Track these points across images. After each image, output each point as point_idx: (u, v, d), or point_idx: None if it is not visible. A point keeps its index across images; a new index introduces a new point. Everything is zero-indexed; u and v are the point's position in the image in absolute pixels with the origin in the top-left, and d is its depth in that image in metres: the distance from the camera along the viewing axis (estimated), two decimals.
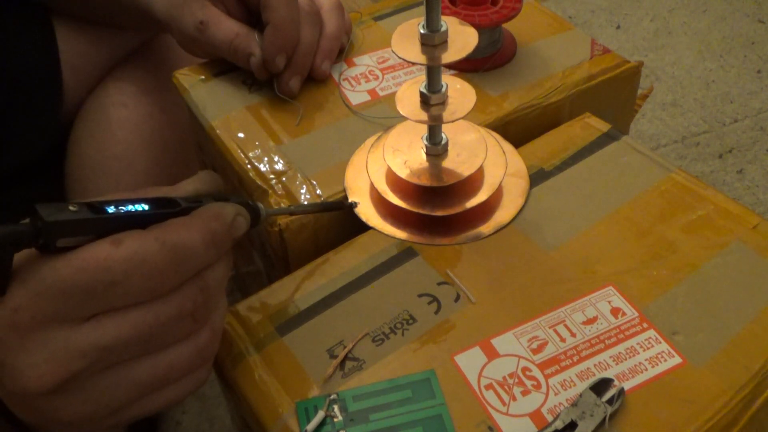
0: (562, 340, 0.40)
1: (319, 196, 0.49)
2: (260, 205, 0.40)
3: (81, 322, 0.31)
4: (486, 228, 0.47)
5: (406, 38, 0.42)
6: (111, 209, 0.32)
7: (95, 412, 0.32)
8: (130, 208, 0.33)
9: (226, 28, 0.53)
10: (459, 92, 0.45)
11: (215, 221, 0.35)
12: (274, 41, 0.52)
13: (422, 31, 0.41)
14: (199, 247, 0.33)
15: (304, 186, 0.49)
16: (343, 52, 0.60)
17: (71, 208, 0.31)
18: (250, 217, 0.38)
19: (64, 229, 0.30)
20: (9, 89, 0.62)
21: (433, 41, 0.41)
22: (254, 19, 0.55)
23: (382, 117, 0.54)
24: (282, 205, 0.48)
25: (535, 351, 0.39)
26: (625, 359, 0.39)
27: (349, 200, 0.48)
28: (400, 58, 0.42)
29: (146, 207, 0.33)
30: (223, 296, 0.37)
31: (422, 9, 0.40)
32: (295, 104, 0.55)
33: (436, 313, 0.42)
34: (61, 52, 0.65)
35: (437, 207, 0.47)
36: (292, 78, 0.54)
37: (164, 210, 0.34)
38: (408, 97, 0.45)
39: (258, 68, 0.54)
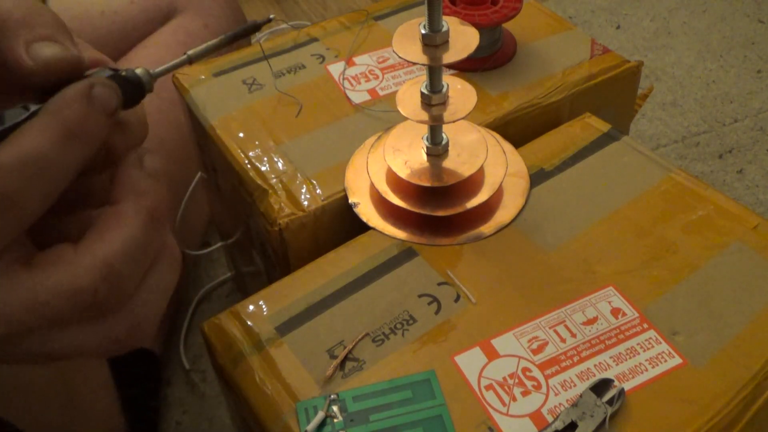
0: (563, 340, 0.40)
1: (319, 195, 0.48)
2: (138, 70, 0.31)
3: None
4: (486, 228, 0.47)
5: (407, 38, 0.42)
6: None
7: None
8: None
9: None
10: (460, 92, 0.45)
11: (66, 108, 0.27)
12: None
13: (423, 32, 0.41)
14: (49, 149, 0.26)
15: (304, 186, 0.49)
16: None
17: None
18: (118, 86, 0.30)
19: None
20: None
21: (434, 41, 0.41)
22: None
23: (386, 111, 0.54)
24: (283, 205, 0.48)
25: (536, 351, 0.39)
26: (626, 360, 0.39)
27: (349, 200, 0.48)
28: (401, 58, 0.42)
29: None
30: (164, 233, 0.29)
31: (422, 9, 0.40)
32: (296, 100, 0.55)
33: (437, 313, 0.42)
34: None
35: (438, 207, 0.47)
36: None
37: (12, 123, 0.27)
38: (409, 98, 0.45)
39: None
